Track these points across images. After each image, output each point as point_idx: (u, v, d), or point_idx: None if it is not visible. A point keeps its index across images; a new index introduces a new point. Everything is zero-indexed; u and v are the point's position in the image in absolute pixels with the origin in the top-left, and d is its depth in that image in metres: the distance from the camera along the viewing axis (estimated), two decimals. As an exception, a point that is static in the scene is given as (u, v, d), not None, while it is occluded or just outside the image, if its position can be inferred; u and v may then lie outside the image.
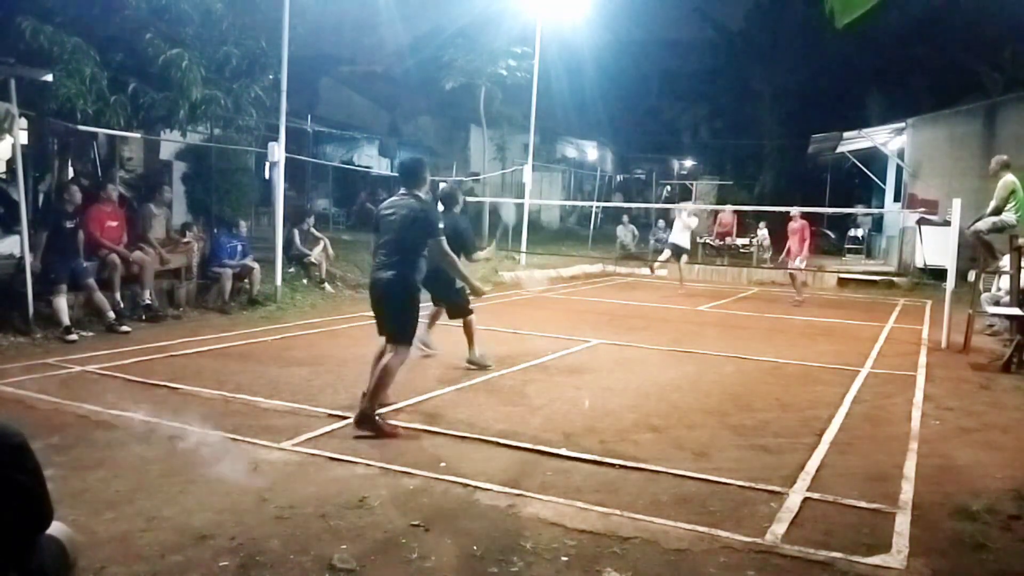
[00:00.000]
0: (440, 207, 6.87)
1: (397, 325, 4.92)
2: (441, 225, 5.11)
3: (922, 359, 7.96)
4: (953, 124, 17.54)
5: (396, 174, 5.59)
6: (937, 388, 6.61)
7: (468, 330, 6.86)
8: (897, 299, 14.00)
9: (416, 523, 3.43)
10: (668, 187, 32.46)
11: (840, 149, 21.96)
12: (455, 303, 6.87)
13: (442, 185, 7.67)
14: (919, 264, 15.92)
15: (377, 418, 4.76)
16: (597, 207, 25.40)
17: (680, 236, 14.13)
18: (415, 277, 4.95)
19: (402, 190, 5.03)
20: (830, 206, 23.74)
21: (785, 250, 13.88)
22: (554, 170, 28.38)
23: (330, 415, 5.11)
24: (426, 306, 6.40)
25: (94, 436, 4.54)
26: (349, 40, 22.95)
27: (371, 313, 5.21)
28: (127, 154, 12.82)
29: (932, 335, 9.40)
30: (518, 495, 3.77)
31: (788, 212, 13.95)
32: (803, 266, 13.35)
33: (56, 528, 1.90)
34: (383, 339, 5.02)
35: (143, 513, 3.44)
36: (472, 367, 6.78)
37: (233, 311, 9.44)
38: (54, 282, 7.54)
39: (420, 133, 24.91)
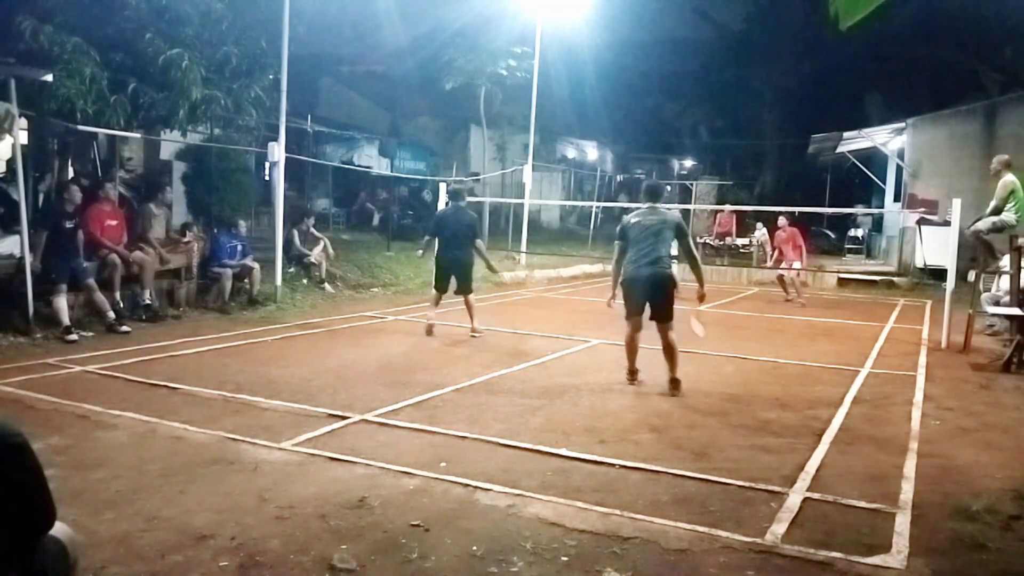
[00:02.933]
0: (448, 201, 9.07)
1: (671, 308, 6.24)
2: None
3: (922, 359, 7.96)
4: (953, 124, 17.54)
5: (643, 191, 6.93)
6: (937, 388, 6.61)
7: (471, 305, 8.65)
8: (897, 299, 13.99)
9: (416, 523, 3.43)
10: (668, 187, 32.45)
11: (840, 149, 21.96)
12: (469, 281, 8.70)
13: (452, 184, 9.43)
14: (919, 264, 15.91)
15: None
16: (597, 207, 25.39)
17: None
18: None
19: (648, 204, 6.37)
20: (830, 206, 23.74)
21: (773, 256, 13.85)
22: (554, 170, 28.36)
23: (330, 415, 5.11)
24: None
25: (94, 436, 4.54)
26: (349, 40, 22.94)
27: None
28: (127, 154, 12.84)
29: (932, 335, 9.40)
30: (518, 495, 3.77)
31: (794, 212, 13.90)
32: (799, 268, 13.30)
33: (57, 528, 1.90)
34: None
35: (143, 513, 3.44)
36: (477, 335, 8.42)
37: (233, 311, 9.44)
38: (54, 282, 7.55)
39: (420, 133, 24.91)
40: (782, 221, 13.46)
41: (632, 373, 6.39)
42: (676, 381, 6.13)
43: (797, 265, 13.19)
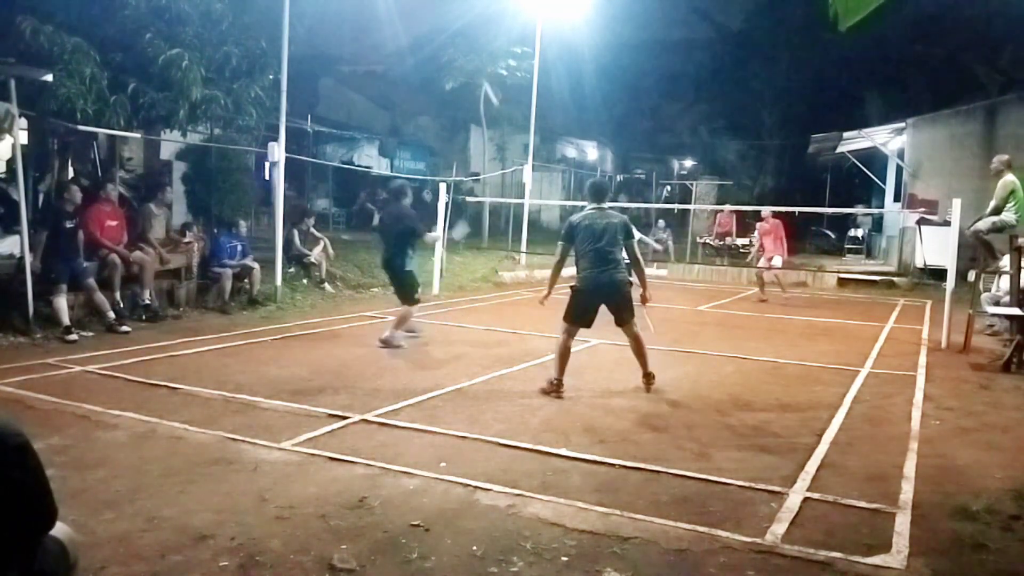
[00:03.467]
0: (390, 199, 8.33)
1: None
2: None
3: (922, 359, 7.96)
4: (953, 124, 17.54)
5: (588, 191, 6.39)
6: (937, 388, 6.61)
7: (399, 316, 7.81)
8: (897, 299, 13.99)
9: (416, 523, 3.43)
10: (668, 187, 32.46)
11: (840, 149, 21.97)
12: (402, 290, 7.92)
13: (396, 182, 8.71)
14: (919, 264, 15.92)
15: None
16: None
17: None
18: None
19: (592, 206, 6.12)
20: (830, 206, 23.76)
21: (758, 249, 13.90)
22: (554, 170, 28.37)
23: (330, 415, 5.10)
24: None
25: (94, 436, 4.54)
26: (349, 40, 22.95)
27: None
28: (127, 154, 12.83)
29: (932, 335, 9.40)
30: (518, 495, 3.77)
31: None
32: (780, 265, 13.31)
33: (57, 528, 1.90)
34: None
35: (143, 513, 3.44)
36: (381, 344, 7.53)
37: (233, 311, 9.44)
38: (54, 282, 7.54)
39: (420, 133, 24.92)
40: (765, 212, 13.51)
41: (559, 384, 5.87)
42: (650, 376, 6.13)
43: (777, 260, 13.22)
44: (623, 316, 6.13)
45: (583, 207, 6.33)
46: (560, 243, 6.19)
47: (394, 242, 7.84)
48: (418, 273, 8.32)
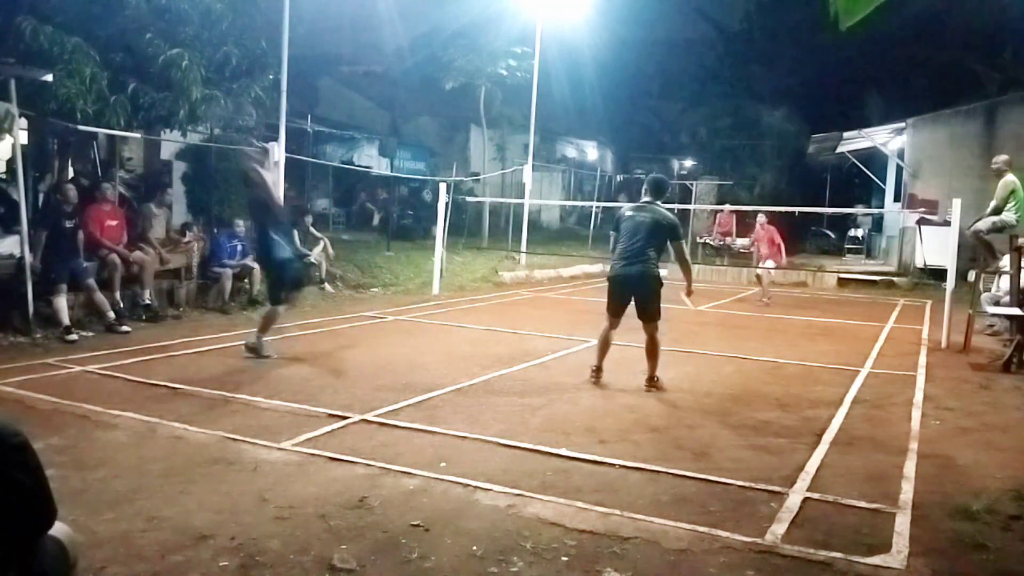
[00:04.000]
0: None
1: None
2: None
3: (922, 359, 7.96)
4: (953, 124, 17.55)
5: (647, 184, 6.45)
6: (937, 388, 6.61)
7: (270, 318, 6.86)
8: (897, 299, 14.00)
9: (416, 523, 3.43)
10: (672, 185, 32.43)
11: (840, 149, 21.98)
12: (270, 289, 7.08)
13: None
14: (919, 264, 15.92)
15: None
16: (597, 207, 25.39)
17: None
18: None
19: (648, 199, 6.24)
20: (830, 206, 23.77)
21: (755, 252, 13.97)
22: (554, 170, 28.37)
23: (330, 415, 5.10)
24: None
25: (94, 436, 4.54)
26: (349, 40, 22.93)
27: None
28: (127, 154, 12.82)
29: (932, 335, 9.40)
30: (518, 495, 3.77)
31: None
32: (772, 267, 13.33)
33: (57, 528, 1.90)
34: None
35: (143, 513, 3.44)
36: (250, 354, 6.74)
37: (233, 311, 9.44)
38: (54, 282, 7.54)
39: (420, 133, 24.91)
40: (761, 219, 13.55)
41: (598, 371, 6.27)
42: (653, 379, 6.18)
43: (771, 264, 13.26)
44: (644, 313, 6.16)
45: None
46: (612, 233, 6.43)
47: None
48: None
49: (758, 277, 13.56)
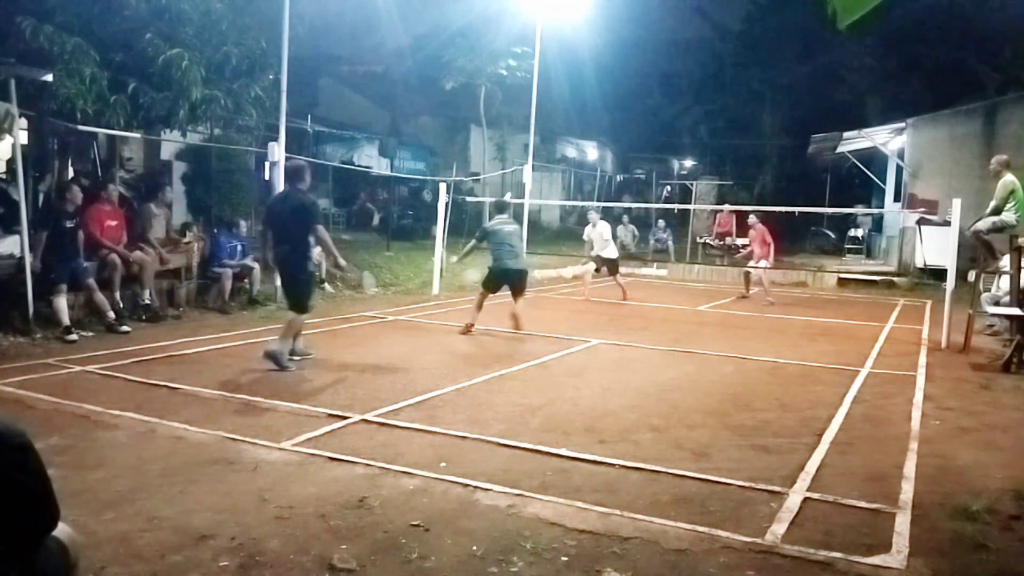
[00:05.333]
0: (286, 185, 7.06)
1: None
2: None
3: (922, 359, 7.96)
4: (953, 124, 17.55)
5: (497, 207, 9.13)
6: (937, 388, 6.61)
7: (296, 325, 6.65)
8: (897, 299, 14.00)
9: (416, 523, 3.43)
10: (668, 187, 32.46)
11: (840, 149, 21.97)
12: (292, 295, 6.85)
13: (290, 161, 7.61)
14: (919, 264, 15.92)
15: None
16: (597, 207, 25.38)
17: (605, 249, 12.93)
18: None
19: (505, 215, 9.33)
20: (830, 206, 23.75)
21: (748, 252, 14.11)
22: (554, 170, 28.38)
23: (330, 415, 5.10)
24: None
25: (94, 436, 4.54)
26: (349, 40, 22.93)
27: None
28: (127, 154, 12.83)
29: (932, 335, 9.40)
30: (518, 495, 3.77)
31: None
32: (764, 267, 13.36)
33: (59, 528, 1.90)
34: None
35: (143, 513, 3.44)
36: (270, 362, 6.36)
37: (233, 311, 9.44)
38: (54, 282, 7.54)
39: (420, 133, 24.92)
40: (752, 219, 13.62)
41: (470, 326, 8.62)
42: (516, 316, 8.60)
43: (764, 263, 13.33)
44: (518, 291, 8.88)
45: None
46: (475, 239, 9.34)
47: (288, 234, 6.62)
48: None
49: (746, 275, 13.77)
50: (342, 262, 7.33)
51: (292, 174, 6.77)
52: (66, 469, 3.90)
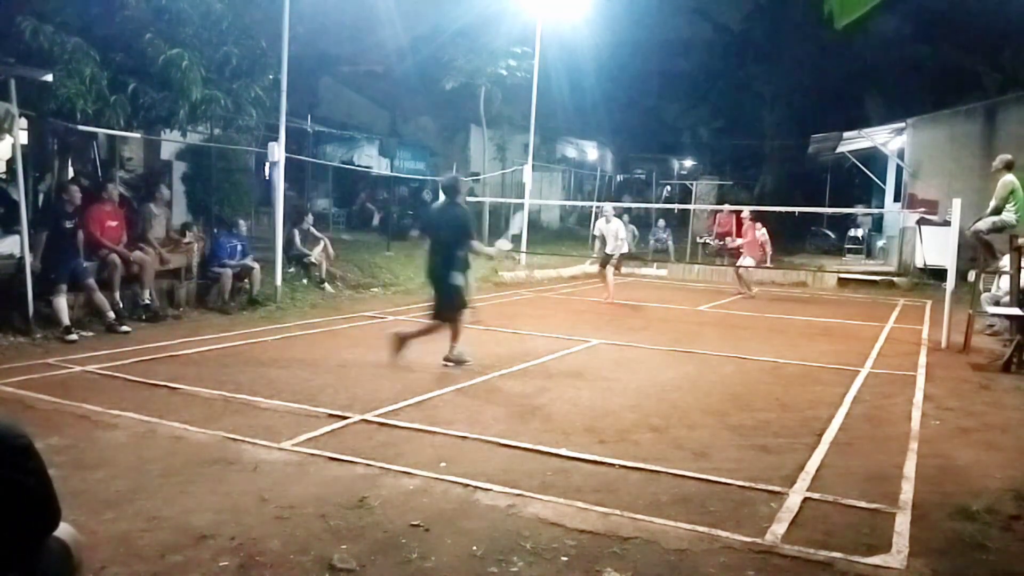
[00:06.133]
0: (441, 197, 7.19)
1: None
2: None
3: (922, 359, 7.96)
4: (953, 124, 17.54)
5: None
6: (937, 388, 6.61)
7: (458, 327, 6.90)
8: (897, 299, 14.00)
9: (416, 523, 3.43)
10: (668, 187, 32.46)
11: (840, 149, 21.97)
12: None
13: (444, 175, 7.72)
14: (919, 264, 15.92)
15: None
16: (597, 207, 25.38)
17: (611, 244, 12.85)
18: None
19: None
20: (830, 206, 23.76)
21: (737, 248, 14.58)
22: (554, 170, 28.35)
23: (330, 415, 5.11)
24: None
25: (94, 436, 4.54)
26: (349, 40, 22.88)
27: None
28: (127, 154, 12.82)
29: (932, 335, 9.40)
30: (518, 495, 3.77)
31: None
32: (750, 264, 13.73)
33: (61, 529, 1.90)
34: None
35: (143, 513, 3.44)
36: (450, 363, 6.81)
37: (233, 311, 9.44)
38: (54, 282, 7.54)
39: (420, 133, 24.90)
40: (745, 212, 13.99)
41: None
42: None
43: (750, 260, 13.74)
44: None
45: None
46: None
47: None
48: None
49: (739, 275, 14.10)
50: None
51: (449, 188, 7.01)
52: (66, 469, 3.90)
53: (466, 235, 6.88)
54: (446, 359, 6.85)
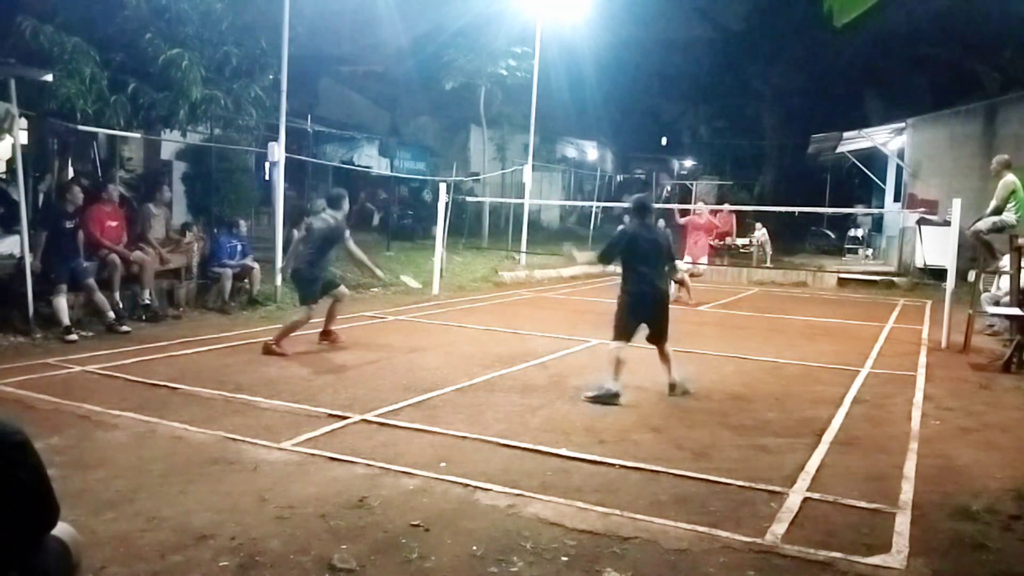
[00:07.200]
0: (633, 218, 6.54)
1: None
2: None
3: (922, 359, 7.96)
4: (953, 124, 17.55)
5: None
6: (937, 388, 6.61)
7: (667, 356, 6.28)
8: (897, 299, 14.00)
9: (416, 523, 3.43)
10: (668, 187, 32.48)
11: (840, 149, 21.97)
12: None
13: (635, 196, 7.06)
14: (919, 264, 15.92)
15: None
16: (597, 207, 25.39)
17: None
18: None
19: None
20: (830, 206, 23.76)
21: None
22: (554, 170, 28.36)
23: (330, 415, 5.10)
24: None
25: (94, 436, 4.54)
26: (349, 40, 22.90)
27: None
28: (127, 154, 12.83)
29: (932, 335, 9.40)
30: (518, 495, 3.77)
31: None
32: (689, 264, 12.30)
33: (60, 528, 1.90)
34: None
35: (143, 513, 3.44)
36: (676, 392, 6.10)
37: (233, 311, 9.44)
38: (54, 282, 7.54)
39: (420, 133, 24.90)
40: (700, 207, 13.42)
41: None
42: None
43: (688, 260, 12.41)
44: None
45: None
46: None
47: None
48: None
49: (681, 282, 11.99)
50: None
51: (642, 208, 6.44)
52: (66, 469, 3.90)
53: (671, 258, 6.61)
54: (672, 385, 6.11)
